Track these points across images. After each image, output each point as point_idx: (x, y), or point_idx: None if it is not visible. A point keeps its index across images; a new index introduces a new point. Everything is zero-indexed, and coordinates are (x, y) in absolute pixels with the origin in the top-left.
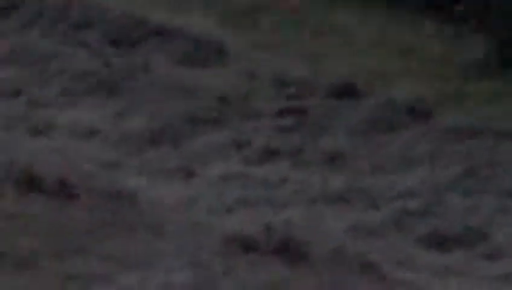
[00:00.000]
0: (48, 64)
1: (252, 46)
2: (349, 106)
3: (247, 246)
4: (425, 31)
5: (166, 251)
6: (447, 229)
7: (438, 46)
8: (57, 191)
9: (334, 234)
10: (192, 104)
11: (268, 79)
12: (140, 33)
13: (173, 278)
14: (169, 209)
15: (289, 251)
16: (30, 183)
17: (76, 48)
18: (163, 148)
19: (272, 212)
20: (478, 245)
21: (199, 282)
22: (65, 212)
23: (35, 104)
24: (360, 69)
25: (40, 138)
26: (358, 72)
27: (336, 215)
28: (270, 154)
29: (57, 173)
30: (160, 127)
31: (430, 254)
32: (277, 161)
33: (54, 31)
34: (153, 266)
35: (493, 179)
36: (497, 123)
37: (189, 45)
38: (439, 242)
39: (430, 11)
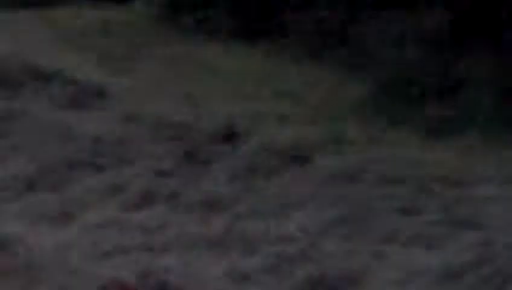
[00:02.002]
0: None
1: (131, 89)
2: (228, 150)
3: None
4: (305, 75)
5: None
6: (323, 274)
7: (319, 91)
8: None
9: (211, 279)
10: (70, 148)
11: (147, 122)
12: (19, 77)
13: None
14: (45, 255)
15: None
16: None
17: None
18: (40, 193)
19: (149, 258)
20: None
21: None
22: None
23: None
24: (240, 113)
25: None
26: (238, 116)
27: (214, 260)
28: (147, 198)
29: None
30: (38, 171)
31: None
32: (155, 205)
33: None
34: None
35: (369, 223)
36: (373, 168)
37: (68, 88)
38: (315, 288)
39: (311, 55)
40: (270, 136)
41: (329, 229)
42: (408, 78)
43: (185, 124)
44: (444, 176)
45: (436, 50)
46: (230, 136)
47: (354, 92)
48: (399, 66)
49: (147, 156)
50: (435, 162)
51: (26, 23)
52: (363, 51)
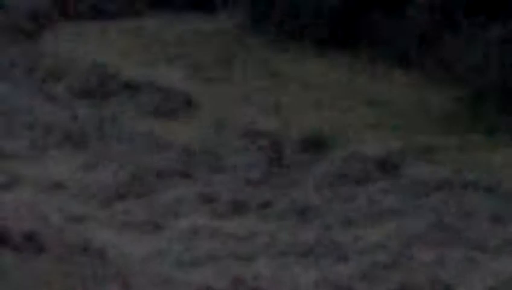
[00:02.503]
0: (16, 117)
1: (220, 98)
2: (318, 158)
3: None
4: (393, 82)
5: None
6: (415, 281)
7: (407, 98)
8: (24, 244)
9: (302, 287)
10: (160, 157)
11: (235, 131)
12: (109, 86)
13: None
14: (137, 263)
15: None
16: None
17: (45, 101)
18: (131, 201)
19: (240, 266)
20: None
21: None
22: (33, 266)
23: (2, 156)
24: (328, 121)
25: (8, 191)
26: (326, 124)
27: (305, 268)
28: (238, 207)
29: (25, 226)
30: (129, 179)
31: None
32: (246, 214)
33: (23, 84)
34: None
35: (461, 231)
36: (464, 175)
37: (157, 98)
38: None
39: (399, 62)
40: (359, 145)
41: (421, 237)
42: (495, 86)
43: (273, 133)
44: None
45: None
46: (318, 144)
47: (443, 100)
48: (486, 74)
49: (236, 164)
50: None
51: (114, 34)
52: (451, 59)
